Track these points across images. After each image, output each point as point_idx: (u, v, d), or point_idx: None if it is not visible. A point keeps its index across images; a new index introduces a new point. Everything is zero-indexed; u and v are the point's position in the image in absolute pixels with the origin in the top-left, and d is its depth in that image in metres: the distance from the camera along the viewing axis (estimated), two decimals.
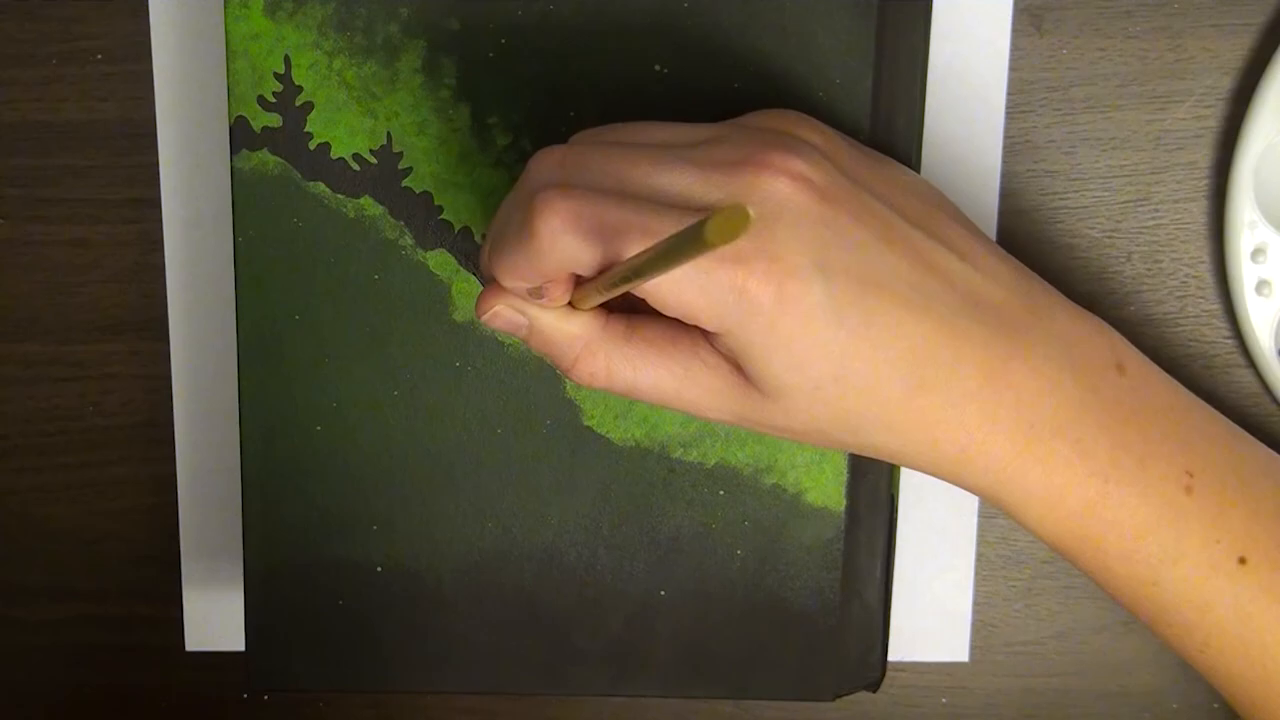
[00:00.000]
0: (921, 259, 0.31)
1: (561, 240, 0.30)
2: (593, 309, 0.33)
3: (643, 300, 0.31)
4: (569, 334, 0.32)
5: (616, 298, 0.31)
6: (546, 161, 0.31)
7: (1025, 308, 0.32)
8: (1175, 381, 0.35)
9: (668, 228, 0.29)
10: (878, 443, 0.32)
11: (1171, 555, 0.33)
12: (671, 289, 0.30)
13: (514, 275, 0.31)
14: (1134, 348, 0.34)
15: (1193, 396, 0.35)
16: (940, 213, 0.33)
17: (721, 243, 0.23)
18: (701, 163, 0.30)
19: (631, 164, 0.31)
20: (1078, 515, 0.33)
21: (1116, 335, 0.34)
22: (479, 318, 0.33)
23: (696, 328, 0.31)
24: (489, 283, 0.33)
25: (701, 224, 0.24)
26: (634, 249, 0.29)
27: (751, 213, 0.23)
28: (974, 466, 0.32)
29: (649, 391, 0.33)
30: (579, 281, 0.32)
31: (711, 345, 0.32)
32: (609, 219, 0.29)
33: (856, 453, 0.33)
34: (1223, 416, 0.35)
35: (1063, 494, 0.32)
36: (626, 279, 0.29)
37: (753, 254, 0.29)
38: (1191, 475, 0.33)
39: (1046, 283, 0.34)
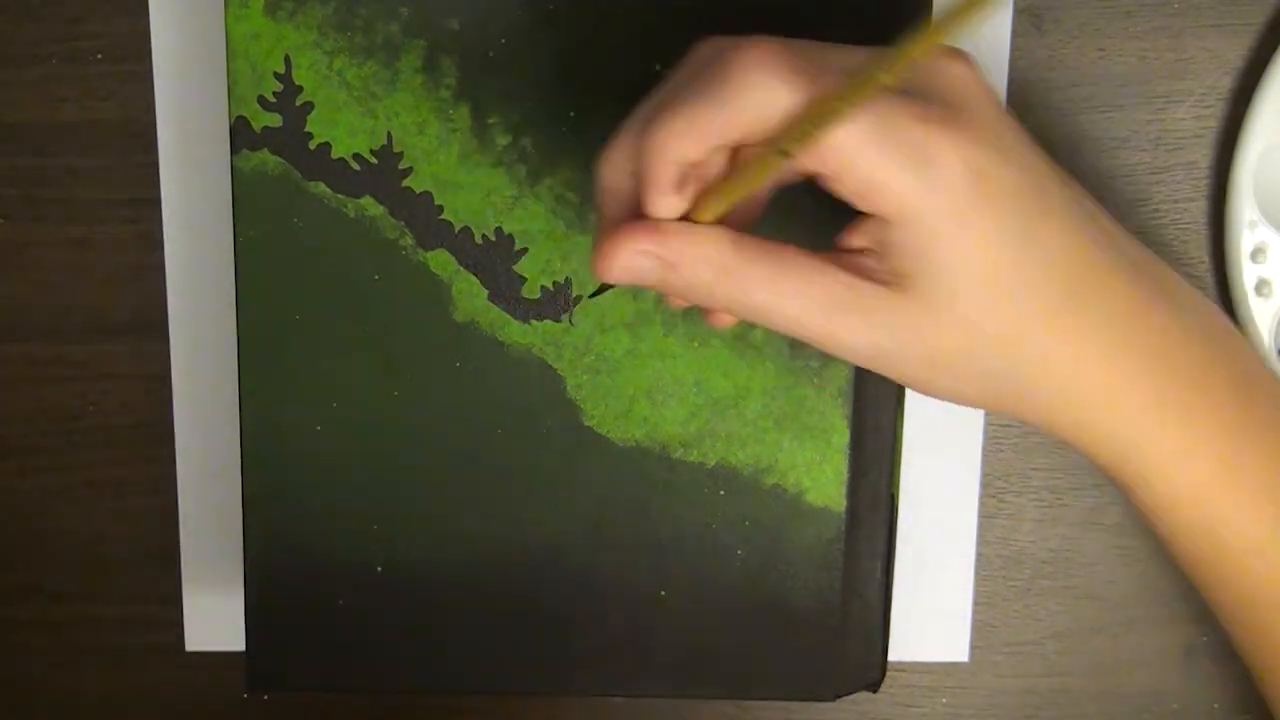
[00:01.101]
0: (1071, 187, 0.31)
1: (765, 81, 0.27)
2: (714, 228, 0.30)
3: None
4: (704, 257, 0.30)
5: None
6: (717, 39, 0.30)
7: (1159, 269, 0.32)
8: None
9: (867, 89, 0.27)
10: (1023, 367, 0.30)
11: None
12: (857, 148, 0.27)
13: (687, 134, 0.28)
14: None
15: None
16: (1090, 200, 0.32)
17: (967, 22, 0.22)
18: (884, 53, 0.28)
19: (821, 47, 0.30)
20: (1207, 474, 0.32)
21: (1218, 306, 0.34)
22: (602, 275, 0.30)
23: (836, 252, 0.30)
24: (610, 210, 0.31)
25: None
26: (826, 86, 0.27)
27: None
28: (1117, 406, 0.31)
29: (782, 314, 0.30)
30: (706, 190, 0.30)
31: (853, 267, 0.30)
32: (806, 65, 0.28)
33: (987, 396, 0.31)
34: None
35: (1197, 447, 0.31)
36: (812, 126, 0.27)
37: (948, 123, 0.28)
38: None
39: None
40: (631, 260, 0.30)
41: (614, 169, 0.30)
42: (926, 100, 0.28)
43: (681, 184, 0.29)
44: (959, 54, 0.29)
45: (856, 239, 0.30)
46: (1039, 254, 0.29)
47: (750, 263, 0.30)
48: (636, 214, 0.30)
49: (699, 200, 0.30)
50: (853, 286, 0.30)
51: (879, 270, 0.30)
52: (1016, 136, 0.30)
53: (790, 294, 0.30)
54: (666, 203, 0.29)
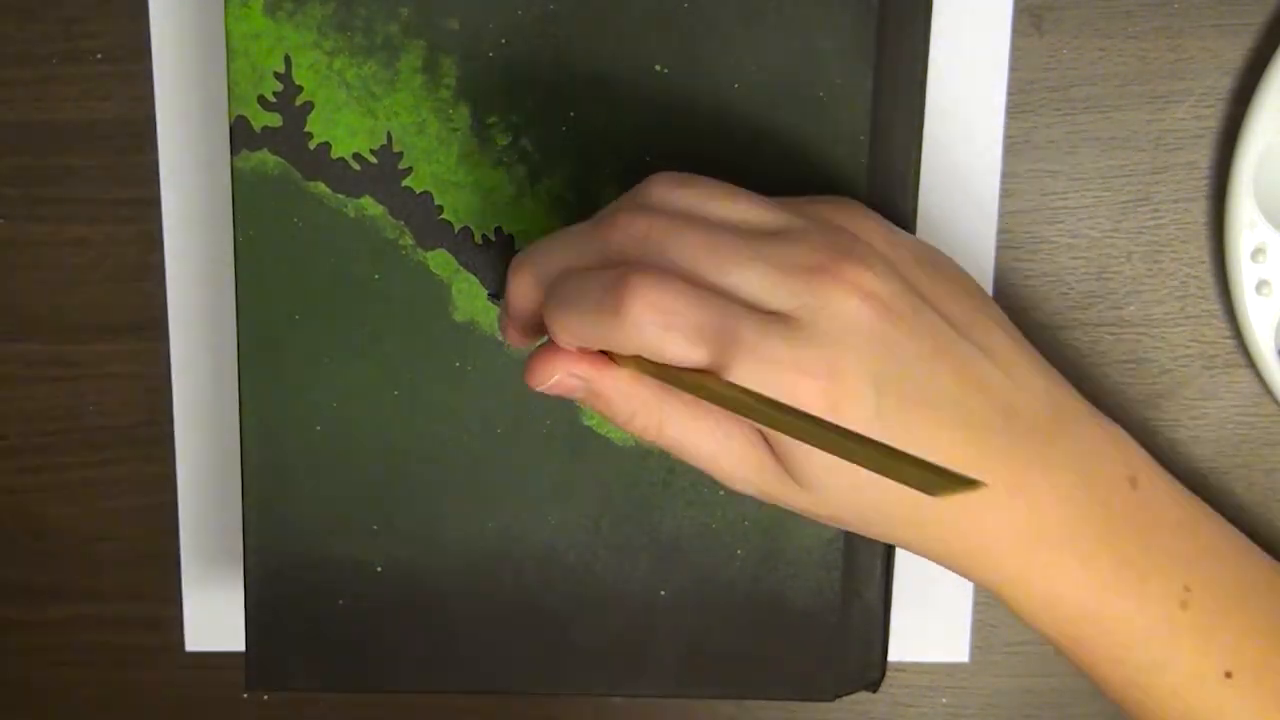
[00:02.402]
0: (965, 373, 0.33)
1: (647, 329, 0.30)
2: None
3: None
4: (628, 393, 0.33)
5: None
6: (629, 234, 0.32)
7: (1051, 418, 0.34)
8: (1187, 493, 0.36)
9: (749, 335, 0.30)
10: (896, 535, 0.34)
11: (1160, 665, 0.34)
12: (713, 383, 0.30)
13: (580, 338, 0.32)
14: (1150, 459, 0.36)
15: (1203, 507, 0.36)
16: (986, 318, 0.34)
17: (942, 494, 0.24)
18: (776, 263, 0.31)
19: (710, 252, 0.31)
20: (1074, 620, 0.34)
21: (1134, 446, 0.36)
22: (534, 386, 0.33)
23: None
24: (517, 323, 0.34)
25: (933, 470, 0.25)
26: (713, 355, 0.30)
27: (979, 488, 0.24)
28: (983, 565, 0.34)
29: (691, 451, 0.33)
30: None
31: (760, 430, 0.33)
32: (694, 319, 0.30)
33: (872, 538, 0.35)
34: (1231, 528, 0.37)
35: (1062, 599, 0.34)
36: (711, 395, 0.30)
37: (813, 370, 0.30)
38: (1189, 590, 0.34)
39: (1074, 390, 0.35)
40: (564, 379, 0.33)
41: (519, 292, 0.33)
42: (803, 341, 0.31)
43: (585, 351, 0.32)
44: (846, 281, 0.31)
45: None
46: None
47: (668, 403, 0.33)
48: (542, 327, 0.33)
49: (625, 358, 0.32)
50: (753, 447, 0.33)
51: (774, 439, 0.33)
52: (898, 355, 0.31)
53: (701, 436, 0.33)
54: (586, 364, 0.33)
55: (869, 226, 0.33)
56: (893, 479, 0.26)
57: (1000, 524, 0.33)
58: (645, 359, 0.32)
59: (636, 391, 0.33)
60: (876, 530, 0.34)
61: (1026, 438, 0.33)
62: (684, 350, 0.30)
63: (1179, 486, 0.36)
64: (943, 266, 0.35)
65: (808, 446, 0.31)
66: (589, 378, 0.33)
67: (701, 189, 0.33)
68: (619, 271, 0.31)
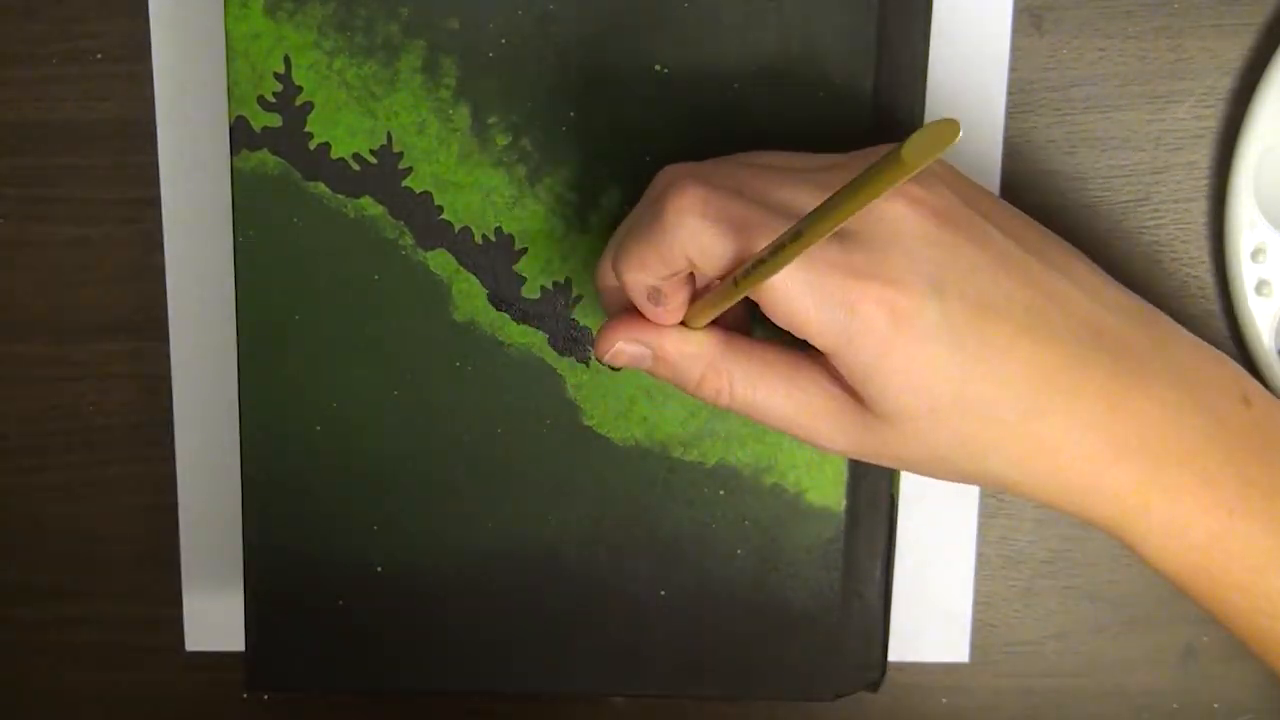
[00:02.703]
0: (1039, 286, 0.31)
1: (690, 223, 0.30)
2: (711, 328, 0.33)
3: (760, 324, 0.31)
4: (691, 354, 0.33)
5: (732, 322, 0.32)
6: (674, 170, 0.32)
7: (1147, 338, 0.32)
8: None
9: (784, 226, 0.29)
10: (999, 471, 0.32)
11: None
12: (786, 295, 0.30)
13: (639, 266, 0.31)
14: (1257, 382, 0.34)
15: None
16: (1058, 245, 0.33)
17: (920, 162, 0.23)
18: (821, 184, 0.31)
19: (756, 177, 0.31)
20: (1201, 548, 0.32)
21: (1240, 368, 0.34)
22: (600, 358, 0.34)
23: (817, 356, 0.32)
24: (610, 306, 0.34)
25: (898, 146, 0.23)
26: (759, 244, 0.29)
27: (959, 126, 0.22)
28: (1100, 497, 0.32)
29: (766, 411, 0.33)
30: (694, 297, 0.32)
31: (831, 374, 0.32)
32: (736, 212, 0.30)
33: (982, 485, 0.33)
34: None
35: (1187, 525, 0.32)
36: (755, 270, 0.29)
37: (867, 272, 0.29)
38: None
39: (1168, 316, 0.34)
40: (627, 346, 0.33)
41: (605, 277, 0.34)
42: (854, 246, 0.30)
43: (654, 297, 0.32)
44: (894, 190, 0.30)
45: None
46: (991, 375, 0.30)
47: (736, 362, 0.32)
48: (632, 307, 0.33)
49: (692, 309, 0.33)
50: (828, 394, 0.32)
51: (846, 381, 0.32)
52: (958, 259, 0.30)
53: (773, 393, 0.32)
54: (650, 312, 0.33)
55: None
56: (874, 189, 0.24)
57: (1110, 444, 0.31)
58: (701, 302, 0.31)
59: (702, 352, 0.32)
60: (985, 468, 0.32)
61: (1121, 354, 0.31)
62: (728, 243, 0.30)
63: None
64: (1017, 212, 0.34)
65: (878, 365, 0.30)
66: (652, 342, 0.33)
67: (748, 153, 0.33)
68: (665, 189, 0.31)
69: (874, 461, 0.33)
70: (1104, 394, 0.31)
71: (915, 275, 0.30)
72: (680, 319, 0.33)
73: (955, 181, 0.32)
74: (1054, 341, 0.31)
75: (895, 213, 0.30)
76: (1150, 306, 0.34)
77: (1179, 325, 0.34)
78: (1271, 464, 0.33)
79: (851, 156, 0.33)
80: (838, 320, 0.30)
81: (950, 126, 0.22)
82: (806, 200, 0.30)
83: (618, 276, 0.32)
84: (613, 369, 0.36)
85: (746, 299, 0.31)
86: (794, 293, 0.30)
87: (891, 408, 0.31)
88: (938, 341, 0.30)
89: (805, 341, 0.31)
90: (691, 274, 0.32)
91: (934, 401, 0.30)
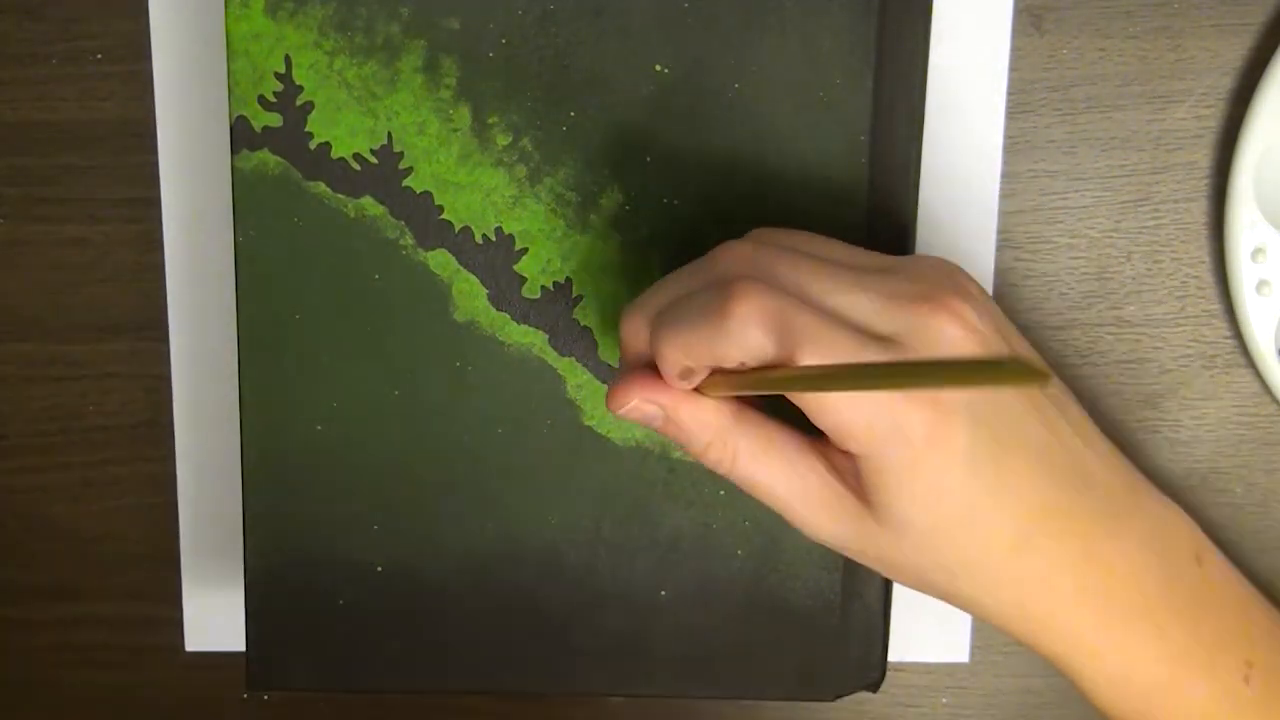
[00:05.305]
0: (1051, 427, 0.33)
1: (753, 333, 0.30)
2: (720, 401, 0.33)
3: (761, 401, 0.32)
4: (704, 422, 0.33)
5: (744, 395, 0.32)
6: (735, 255, 0.33)
7: (1124, 490, 0.34)
8: (1239, 573, 0.37)
9: (845, 346, 0.30)
10: (969, 594, 0.33)
11: None
12: (834, 402, 0.30)
13: (684, 352, 0.32)
14: (1208, 540, 0.36)
15: (1254, 589, 0.37)
16: (1062, 393, 0.35)
17: (1013, 385, 0.24)
18: (880, 291, 0.31)
19: (815, 276, 0.32)
20: (1145, 695, 0.34)
21: (1195, 526, 0.36)
22: (613, 411, 0.34)
23: (824, 445, 0.33)
24: (631, 366, 0.34)
25: (999, 362, 0.24)
26: (809, 358, 0.30)
27: (1054, 382, 0.23)
28: (1055, 634, 0.34)
29: (765, 489, 0.34)
30: (716, 370, 0.33)
31: (833, 465, 0.33)
32: (796, 322, 0.30)
33: (942, 599, 0.34)
34: (1276, 609, 0.37)
35: (1133, 673, 0.34)
36: (799, 379, 0.30)
37: (917, 393, 0.30)
38: (1251, 666, 0.34)
39: (1138, 470, 0.36)
40: (640, 405, 0.33)
41: (630, 333, 0.34)
42: (896, 354, 0.31)
43: (685, 375, 0.32)
44: (950, 310, 0.31)
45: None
46: (994, 505, 0.32)
47: (744, 436, 0.33)
48: (651, 364, 0.33)
49: (710, 379, 0.33)
50: (829, 486, 0.33)
51: (852, 476, 0.33)
52: (988, 394, 0.32)
53: (775, 475, 0.33)
54: (674, 384, 0.33)
55: (965, 275, 0.34)
56: (977, 384, 0.25)
57: (1076, 588, 0.33)
58: (726, 378, 0.32)
59: (713, 421, 0.33)
60: (955, 588, 0.33)
61: (1103, 505, 0.33)
62: (779, 348, 0.30)
63: (1234, 567, 0.37)
64: (1029, 344, 0.35)
65: (901, 474, 0.31)
66: (668, 405, 0.33)
67: (802, 233, 0.34)
68: (726, 280, 0.31)
69: (853, 557, 0.34)
70: (1082, 539, 0.33)
71: (959, 402, 0.31)
72: (697, 386, 0.33)
73: (991, 308, 0.33)
74: (1054, 483, 0.32)
75: (952, 336, 0.31)
76: (1125, 459, 0.35)
77: (1147, 480, 0.36)
78: (1214, 621, 0.34)
79: (900, 262, 0.34)
80: (879, 430, 0.30)
81: (1043, 377, 0.23)
82: (865, 308, 0.31)
83: (655, 349, 0.32)
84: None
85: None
86: (840, 397, 0.30)
87: (897, 516, 0.32)
88: (961, 467, 0.31)
89: (809, 424, 0.32)
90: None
91: (939, 520, 0.32)
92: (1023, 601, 0.33)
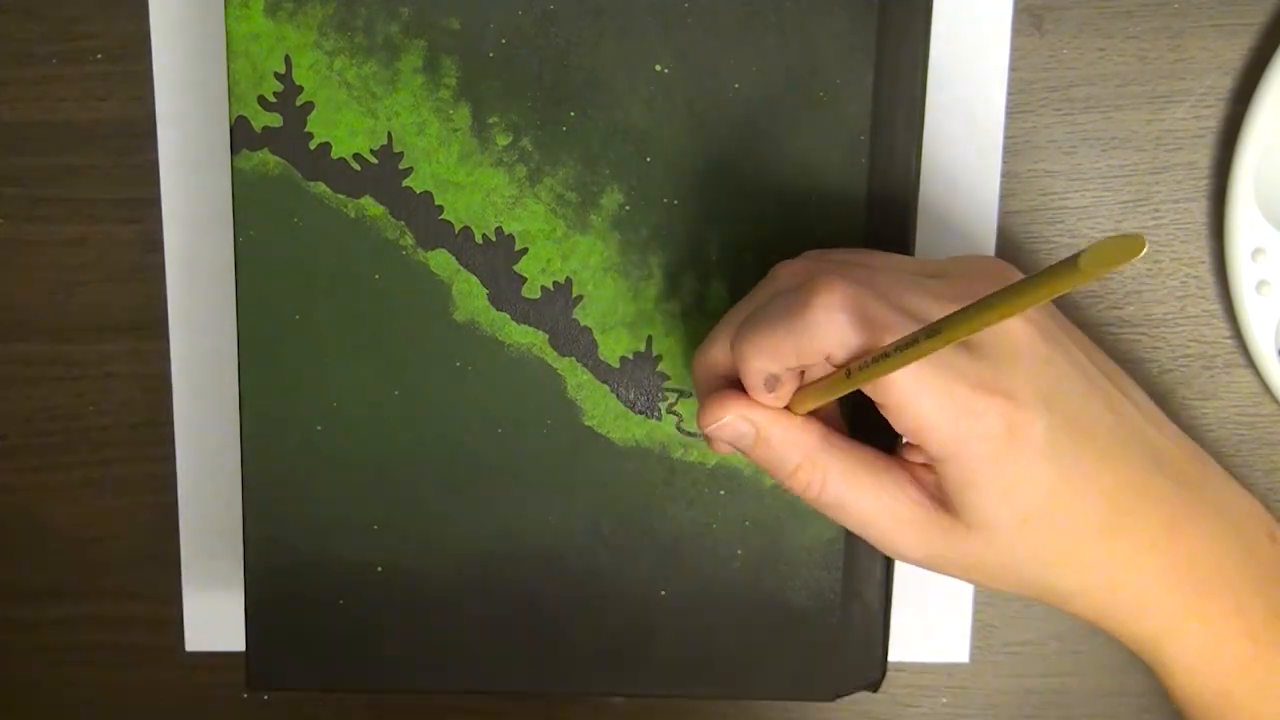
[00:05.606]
0: (1117, 409, 0.33)
1: (839, 319, 0.31)
2: (812, 419, 0.33)
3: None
4: (795, 442, 0.33)
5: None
6: (795, 269, 0.33)
7: (1195, 468, 0.35)
8: None
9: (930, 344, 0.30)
10: (1061, 583, 0.34)
11: None
12: (913, 394, 0.31)
13: (770, 356, 0.32)
14: (1273, 518, 0.36)
15: None
16: (1118, 369, 0.35)
17: (1096, 274, 0.23)
18: (941, 293, 0.32)
19: (883, 279, 0.32)
20: (1229, 672, 0.34)
21: (1263, 505, 0.36)
22: (703, 429, 0.33)
23: (905, 463, 0.33)
24: (709, 386, 0.34)
25: (1075, 256, 0.23)
26: (892, 338, 0.30)
27: (1144, 242, 0.22)
28: (1146, 616, 0.34)
29: (853, 510, 0.34)
30: (802, 385, 0.33)
31: (916, 482, 0.33)
32: (877, 312, 0.31)
33: (1033, 596, 0.34)
34: None
35: (1220, 649, 0.34)
36: (875, 364, 0.30)
37: (992, 385, 0.31)
38: None
39: (1206, 451, 0.36)
40: (734, 422, 0.33)
41: (712, 357, 0.34)
42: (979, 357, 0.31)
43: (770, 384, 0.32)
44: None
45: (917, 454, 0.34)
46: (1076, 491, 0.32)
47: (833, 457, 0.33)
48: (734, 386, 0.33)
49: (797, 395, 0.33)
50: (917, 503, 0.33)
51: (935, 489, 0.33)
52: (1061, 379, 0.32)
53: (863, 495, 0.33)
54: (761, 398, 0.33)
55: (1015, 272, 0.34)
56: (1068, 287, 0.24)
57: (1160, 567, 0.33)
58: (813, 388, 0.32)
59: (804, 441, 0.33)
60: (1048, 578, 0.33)
61: (1179, 484, 0.34)
62: (863, 339, 0.30)
63: None
64: (1081, 333, 0.36)
65: (984, 471, 0.31)
66: (761, 423, 0.33)
67: (853, 250, 0.34)
68: (803, 280, 0.31)
69: (941, 571, 0.34)
70: (1163, 518, 0.33)
71: (1032, 392, 0.31)
72: (786, 404, 0.33)
73: (1049, 305, 0.34)
74: (1128, 464, 0.33)
75: (1014, 329, 0.31)
76: (1192, 441, 0.36)
77: (1212, 458, 0.36)
78: None
79: (952, 261, 0.34)
80: (958, 427, 0.31)
81: (1136, 242, 0.22)
82: (933, 308, 0.31)
83: (738, 361, 0.32)
84: (706, 443, 0.36)
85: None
86: (920, 393, 0.30)
87: (984, 516, 0.32)
88: (1041, 456, 0.31)
89: (888, 448, 0.33)
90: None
91: (1025, 513, 0.32)
92: (1114, 585, 0.33)
